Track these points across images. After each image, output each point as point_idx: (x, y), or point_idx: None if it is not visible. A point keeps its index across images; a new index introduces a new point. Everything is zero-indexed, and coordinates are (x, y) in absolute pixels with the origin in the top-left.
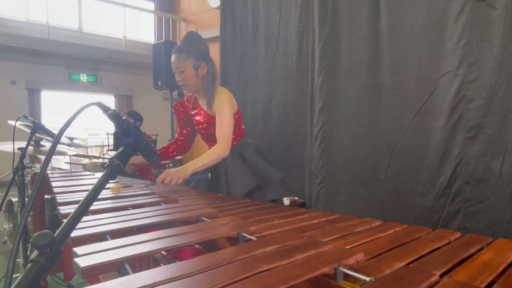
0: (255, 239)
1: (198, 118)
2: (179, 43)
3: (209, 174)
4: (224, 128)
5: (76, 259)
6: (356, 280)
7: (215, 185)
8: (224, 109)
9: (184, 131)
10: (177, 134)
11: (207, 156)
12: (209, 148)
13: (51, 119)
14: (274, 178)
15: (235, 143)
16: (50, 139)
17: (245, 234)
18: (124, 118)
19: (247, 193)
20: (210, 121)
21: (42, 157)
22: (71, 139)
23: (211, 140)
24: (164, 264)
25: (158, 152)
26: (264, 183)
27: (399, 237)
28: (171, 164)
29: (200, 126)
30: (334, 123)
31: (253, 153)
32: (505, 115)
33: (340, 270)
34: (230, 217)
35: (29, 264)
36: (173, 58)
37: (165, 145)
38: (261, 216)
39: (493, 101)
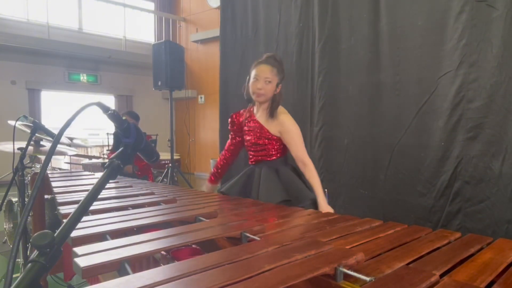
0: (257, 239)
1: (250, 125)
2: (269, 58)
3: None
4: (299, 147)
5: (76, 259)
6: (356, 280)
7: (248, 192)
8: (293, 129)
9: (234, 141)
10: (226, 146)
11: (315, 177)
12: (249, 155)
13: (51, 119)
14: (307, 197)
15: (274, 158)
16: (50, 139)
17: (248, 234)
18: (124, 118)
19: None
20: (262, 131)
21: (42, 157)
22: (71, 139)
23: (254, 149)
24: (164, 264)
25: (212, 175)
26: (295, 200)
27: (399, 237)
28: (170, 164)
29: (251, 133)
30: (334, 123)
31: (289, 171)
32: (505, 115)
33: (340, 270)
34: (230, 217)
35: (29, 264)
36: (264, 67)
37: (215, 169)
38: (261, 216)
39: (493, 101)
